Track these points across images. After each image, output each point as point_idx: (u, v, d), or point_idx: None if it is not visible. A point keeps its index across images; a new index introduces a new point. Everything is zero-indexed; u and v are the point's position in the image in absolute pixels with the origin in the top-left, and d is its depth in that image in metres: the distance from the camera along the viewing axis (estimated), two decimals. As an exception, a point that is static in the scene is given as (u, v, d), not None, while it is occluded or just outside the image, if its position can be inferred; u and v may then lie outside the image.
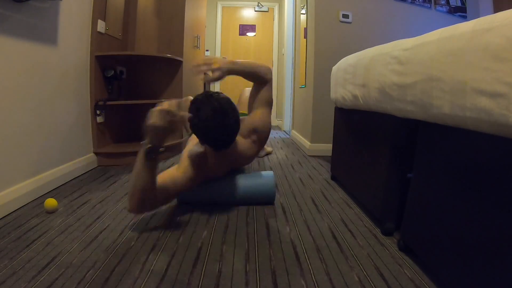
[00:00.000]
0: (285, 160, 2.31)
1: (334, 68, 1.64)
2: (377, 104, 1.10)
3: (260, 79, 1.38)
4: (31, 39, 1.34)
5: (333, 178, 1.78)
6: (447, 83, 0.70)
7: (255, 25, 4.95)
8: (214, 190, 1.32)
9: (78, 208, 1.27)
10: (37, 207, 1.26)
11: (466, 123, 0.66)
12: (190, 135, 1.41)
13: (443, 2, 2.60)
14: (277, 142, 3.17)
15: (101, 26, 1.92)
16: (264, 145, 1.42)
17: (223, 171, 1.34)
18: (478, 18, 0.64)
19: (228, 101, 1.14)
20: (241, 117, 1.21)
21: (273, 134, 3.87)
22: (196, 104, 1.11)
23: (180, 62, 2.35)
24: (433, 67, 0.75)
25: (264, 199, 1.35)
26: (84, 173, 1.79)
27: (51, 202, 1.21)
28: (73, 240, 0.99)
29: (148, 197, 1.05)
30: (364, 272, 0.84)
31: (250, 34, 4.95)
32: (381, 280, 0.80)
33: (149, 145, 0.98)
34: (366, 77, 1.18)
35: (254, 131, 1.35)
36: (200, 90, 3.20)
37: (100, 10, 1.90)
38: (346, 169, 1.53)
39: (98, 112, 1.94)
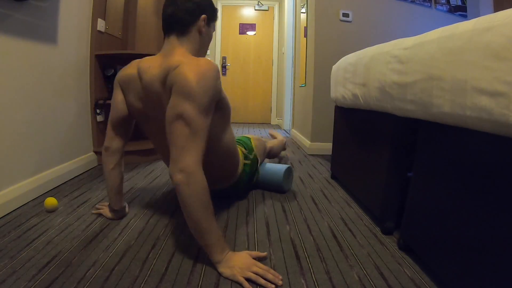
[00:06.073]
0: (285, 159, 2.31)
1: (334, 67, 1.64)
2: (377, 103, 1.10)
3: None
4: (31, 38, 1.33)
5: (333, 177, 1.78)
6: (447, 82, 0.70)
7: (255, 24, 4.94)
8: None
9: (78, 207, 1.27)
10: (37, 206, 1.26)
11: (466, 122, 0.66)
12: None
13: (443, 1, 2.60)
14: (277, 141, 3.16)
15: (101, 25, 1.91)
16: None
17: None
18: (478, 17, 0.64)
19: None
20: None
21: (273, 133, 3.87)
22: None
23: (180, 61, 2.35)
24: (433, 66, 0.75)
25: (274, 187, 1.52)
26: (84, 172, 1.79)
27: (51, 201, 1.21)
28: (73, 239, 0.99)
29: None
30: (364, 271, 0.84)
31: (250, 33, 4.94)
32: (381, 279, 0.80)
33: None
34: (366, 76, 1.18)
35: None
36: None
37: (100, 9, 1.90)
38: (346, 168, 1.53)
39: (98, 111, 1.93)
